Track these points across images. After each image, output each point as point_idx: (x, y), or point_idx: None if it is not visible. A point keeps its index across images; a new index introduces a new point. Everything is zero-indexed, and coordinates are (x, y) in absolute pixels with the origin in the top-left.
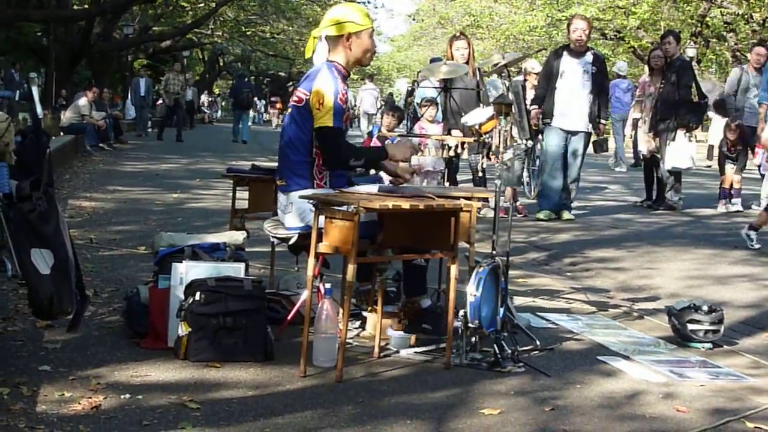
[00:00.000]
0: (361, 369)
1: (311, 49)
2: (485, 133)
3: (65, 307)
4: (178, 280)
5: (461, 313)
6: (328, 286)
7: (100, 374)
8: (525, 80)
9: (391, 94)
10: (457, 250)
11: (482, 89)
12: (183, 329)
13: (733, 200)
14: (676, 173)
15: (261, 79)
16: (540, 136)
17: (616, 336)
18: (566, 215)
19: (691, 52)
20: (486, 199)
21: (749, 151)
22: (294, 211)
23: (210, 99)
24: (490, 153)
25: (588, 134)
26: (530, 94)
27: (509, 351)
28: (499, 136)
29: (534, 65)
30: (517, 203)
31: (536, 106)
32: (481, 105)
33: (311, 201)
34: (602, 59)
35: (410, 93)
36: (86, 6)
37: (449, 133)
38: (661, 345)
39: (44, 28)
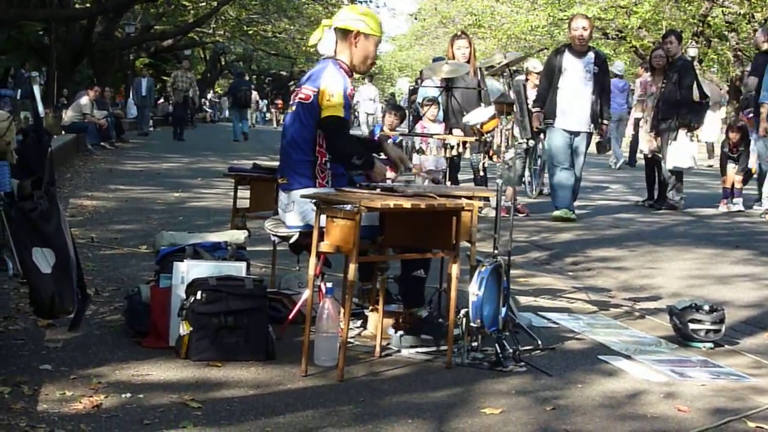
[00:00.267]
0: (363, 368)
1: (318, 37)
2: (486, 133)
3: (66, 306)
4: (179, 279)
5: (462, 312)
6: (329, 285)
7: (101, 373)
8: (526, 80)
9: (392, 94)
10: (459, 250)
11: (483, 88)
12: (184, 328)
13: (734, 200)
14: (678, 173)
15: (263, 78)
16: (542, 136)
17: (617, 335)
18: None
19: (692, 51)
20: (487, 199)
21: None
22: (295, 210)
23: (216, 98)
24: (491, 152)
25: (590, 134)
26: (531, 93)
27: (510, 350)
28: (501, 136)
29: (536, 65)
30: (516, 203)
31: (538, 108)
32: (482, 104)
33: (313, 200)
34: (604, 58)
35: (413, 92)
36: (88, 5)
37: (450, 133)
38: (662, 344)
39: (46, 27)
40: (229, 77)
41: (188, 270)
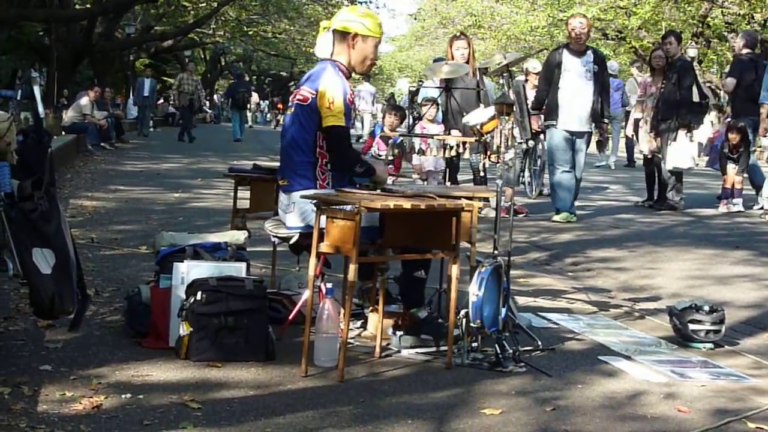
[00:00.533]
0: (363, 369)
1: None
2: (486, 133)
3: (66, 306)
4: (179, 279)
5: (462, 312)
6: (329, 285)
7: (101, 374)
8: (526, 80)
9: (392, 94)
10: (459, 250)
11: (482, 89)
12: (184, 329)
13: (734, 200)
14: (678, 173)
15: (263, 78)
16: (542, 136)
17: (617, 336)
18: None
19: (692, 52)
20: (487, 199)
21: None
22: (296, 211)
23: (222, 99)
24: (489, 152)
25: (590, 134)
26: (531, 94)
27: (510, 351)
28: (500, 136)
29: (535, 65)
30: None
31: (536, 111)
32: (482, 105)
33: (313, 201)
34: (603, 57)
35: (415, 93)
36: (88, 5)
37: (449, 133)
38: (662, 345)
39: (46, 28)
40: (229, 78)
41: (188, 270)
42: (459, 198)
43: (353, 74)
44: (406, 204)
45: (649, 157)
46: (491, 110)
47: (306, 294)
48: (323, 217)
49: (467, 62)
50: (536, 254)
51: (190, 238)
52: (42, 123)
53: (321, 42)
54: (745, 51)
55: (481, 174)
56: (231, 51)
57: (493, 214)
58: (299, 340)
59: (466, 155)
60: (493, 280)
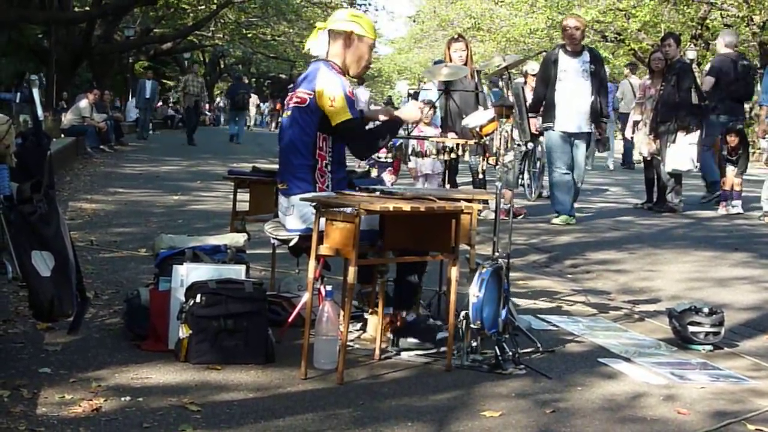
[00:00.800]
0: (362, 371)
1: (313, 39)
2: (485, 136)
3: (66, 309)
4: (178, 282)
5: (462, 314)
6: (329, 288)
7: (100, 376)
8: (525, 82)
9: (389, 97)
10: (458, 253)
11: (480, 91)
12: (184, 331)
13: (733, 202)
14: (677, 175)
15: (262, 81)
16: (541, 138)
17: (616, 338)
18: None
19: (691, 54)
20: (486, 202)
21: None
22: (295, 214)
23: (225, 103)
24: (488, 154)
25: (590, 135)
26: (530, 96)
27: (510, 353)
28: (500, 138)
29: (534, 67)
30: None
31: (533, 114)
32: (480, 107)
33: (312, 203)
34: (599, 57)
35: (415, 95)
36: (88, 8)
37: (447, 136)
38: (661, 347)
39: (45, 30)
40: (228, 80)
41: (188, 273)
42: (458, 200)
43: (347, 77)
44: (406, 206)
45: (649, 159)
46: (490, 112)
47: (305, 296)
48: (323, 220)
49: (465, 64)
50: (536, 256)
51: (190, 241)
52: (41, 125)
53: (318, 40)
54: (725, 51)
55: (480, 176)
56: (230, 53)
57: (492, 216)
58: (299, 343)
59: (466, 157)
60: (494, 282)
